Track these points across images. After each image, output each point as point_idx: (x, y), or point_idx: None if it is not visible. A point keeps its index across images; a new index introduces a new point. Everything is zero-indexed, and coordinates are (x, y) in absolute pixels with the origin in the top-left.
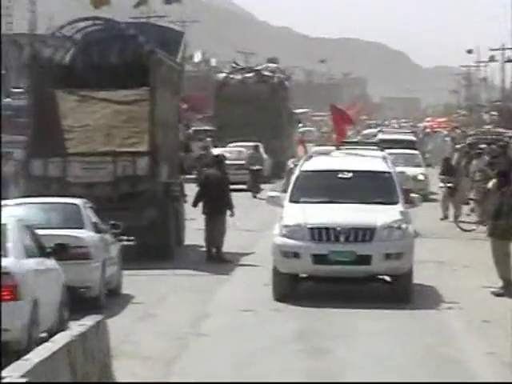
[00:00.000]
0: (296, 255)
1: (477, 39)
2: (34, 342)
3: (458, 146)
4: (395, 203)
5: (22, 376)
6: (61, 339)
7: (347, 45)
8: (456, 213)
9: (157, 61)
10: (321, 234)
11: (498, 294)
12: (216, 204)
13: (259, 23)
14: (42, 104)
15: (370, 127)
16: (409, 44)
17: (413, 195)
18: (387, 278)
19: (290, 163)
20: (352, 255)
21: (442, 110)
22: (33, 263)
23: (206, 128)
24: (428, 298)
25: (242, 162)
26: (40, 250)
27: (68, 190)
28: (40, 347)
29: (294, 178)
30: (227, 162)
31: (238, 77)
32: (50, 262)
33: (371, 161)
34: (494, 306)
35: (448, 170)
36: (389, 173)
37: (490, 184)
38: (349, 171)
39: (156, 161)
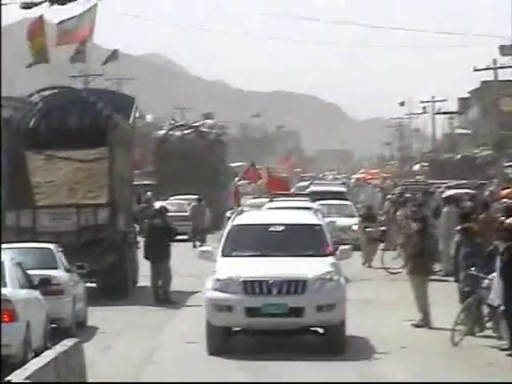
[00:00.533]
0: (229, 308)
1: (410, 91)
2: (27, 357)
3: (388, 196)
4: (326, 255)
5: (26, 378)
6: (49, 354)
7: (280, 98)
8: (382, 258)
9: (114, 124)
10: (253, 286)
11: (417, 326)
12: (159, 251)
13: (193, 77)
14: (13, 163)
15: (304, 180)
16: (341, 96)
17: (343, 247)
18: (320, 330)
19: (229, 214)
20: (284, 307)
21: (376, 162)
22: (25, 293)
23: (146, 182)
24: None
25: (184, 213)
26: (28, 282)
27: (38, 238)
28: (33, 360)
29: (225, 232)
30: (170, 213)
31: (177, 133)
32: (37, 293)
33: (302, 214)
34: (414, 335)
35: (369, 217)
36: (319, 225)
37: (412, 227)
38: (280, 224)
39: (115, 211)
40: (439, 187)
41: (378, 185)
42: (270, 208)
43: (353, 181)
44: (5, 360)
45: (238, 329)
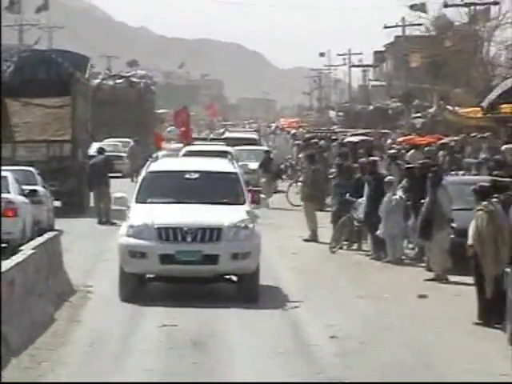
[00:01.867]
0: (143, 255)
1: (330, 43)
2: (23, 242)
3: (296, 142)
4: (242, 203)
5: (17, 264)
6: (39, 240)
7: (204, 46)
8: (287, 192)
9: (75, 78)
10: (168, 233)
11: (307, 240)
12: (99, 180)
13: (117, 24)
14: None
15: (225, 128)
16: (266, 45)
17: (259, 195)
18: (234, 278)
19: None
20: (199, 255)
21: (296, 111)
22: (21, 198)
23: None
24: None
25: (119, 153)
26: (21, 192)
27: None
28: (28, 244)
29: (140, 179)
30: (107, 153)
31: (110, 82)
32: (27, 200)
33: (218, 162)
34: (304, 246)
35: (268, 159)
36: (235, 173)
37: (304, 163)
38: (195, 172)
39: (75, 146)
40: (345, 135)
41: (290, 132)
42: (188, 151)
43: (272, 128)
44: (8, 242)
45: (151, 276)
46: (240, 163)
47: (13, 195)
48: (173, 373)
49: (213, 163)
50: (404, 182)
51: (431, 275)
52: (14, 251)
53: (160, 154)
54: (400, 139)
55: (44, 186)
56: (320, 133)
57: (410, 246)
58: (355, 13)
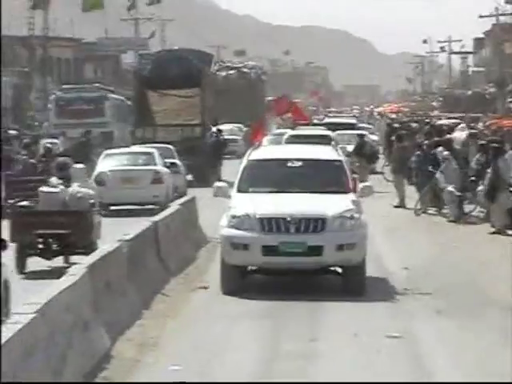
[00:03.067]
0: (245, 247)
1: (432, 29)
2: (168, 203)
3: (387, 123)
4: (347, 192)
5: (170, 214)
6: (179, 201)
7: (310, 32)
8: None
9: (203, 73)
10: (271, 224)
11: (396, 206)
12: (213, 161)
13: (223, 12)
14: (140, 98)
15: (326, 114)
16: (373, 31)
17: (364, 184)
18: (339, 270)
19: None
20: (303, 246)
21: (400, 96)
22: (165, 169)
23: None
24: None
25: (234, 136)
26: (164, 164)
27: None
28: (173, 203)
29: (241, 167)
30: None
31: (223, 73)
32: (169, 171)
33: (321, 149)
34: (394, 211)
35: (362, 144)
36: (339, 161)
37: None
38: (298, 160)
39: (204, 129)
40: (440, 118)
41: (389, 117)
42: (290, 135)
43: (375, 114)
44: (155, 203)
45: (253, 268)
46: (339, 146)
47: (159, 167)
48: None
49: (316, 151)
50: (478, 155)
51: (494, 230)
52: (162, 209)
53: (265, 138)
54: (488, 122)
55: (180, 161)
56: (416, 117)
57: (479, 208)
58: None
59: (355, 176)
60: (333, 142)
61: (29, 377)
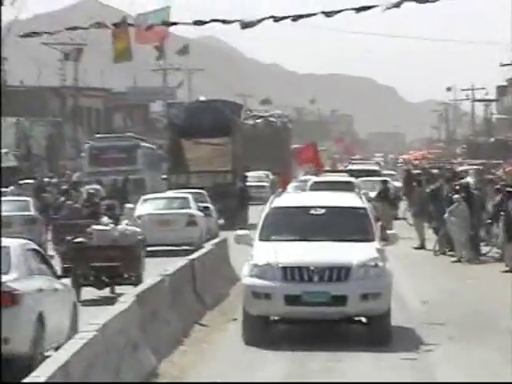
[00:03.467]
0: (267, 296)
1: (455, 78)
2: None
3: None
4: (371, 240)
5: (205, 253)
6: (215, 240)
7: (335, 80)
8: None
9: (234, 122)
10: (293, 273)
11: (417, 248)
12: (233, 208)
13: (248, 60)
14: (174, 146)
15: (350, 161)
16: (397, 79)
17: (389, 232)
18: (363, 320)
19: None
20: (326, 296)
21: (425, 143)
22: (199, 212)
23: None
24: None
25: (261, 183)
26: (198, 208)
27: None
28: (206, 244)
29: (263, 215)
30: (251, 182)
31: (251, 122)
32: (202, 214)
33: (345, 196)
34: (415, 252)
35: (386, 189)
36: (364, 208)
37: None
38: (321, 207)
39: (235, 175)
40: (461, 165)
41: (413, 163)
42: (315, 181)
43: (400, 161)
44: (190, 244)
45: (276, 318)
46: (362, 192)
47: (193, 210)
48: None
49: (340, 198)
50: (493, 199)
51: (507, 269)
52: (196, 250)
53: (290, 185)
54: (508, 168)
55: (212, 205)
56: (438, 163)
57: (495, 249)
58: (475, 47)
59: (380, 223)
60: (356, 189)
61: None
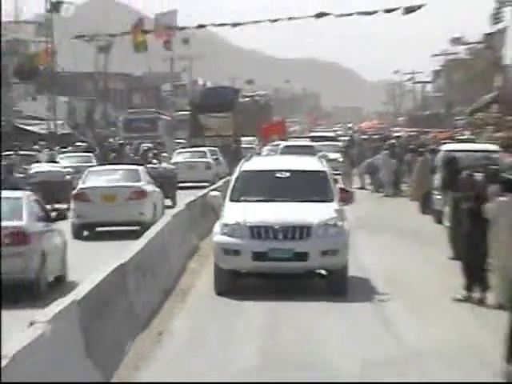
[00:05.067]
0: (236, 252)
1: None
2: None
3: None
4: (331, 201)
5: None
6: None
7: (306, 64)
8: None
9: (234, 102)
10: (260, 232)
11: (358, 188)
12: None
13: (233, 47)
14: (193, 118)
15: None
16: (357, 62)
17: (348, 191)
18: (323, 272)
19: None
20: (290, 252)
21: (377, 116)
22: (213, 163)
23: None
24: None
25: (252, 145)
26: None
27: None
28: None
29: (234, 177)
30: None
31: (241, 100)
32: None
33: (307, 160)
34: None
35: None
36: (324, 172)
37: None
38: (286, 171)
39: (236, 138)
40: (399, 132)
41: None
42: (285, 145)
43: (355, 129)
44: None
45: (244, 271)
46: (321, 153)
47: (209, 159)
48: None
49: (303, 162)
50: (409, 155)
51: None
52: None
53: (265, 148)
54: (430, 135)
55: (221, 157)
56: (382, 131)
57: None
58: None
59: (339, 185)
60: (316, 152)
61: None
